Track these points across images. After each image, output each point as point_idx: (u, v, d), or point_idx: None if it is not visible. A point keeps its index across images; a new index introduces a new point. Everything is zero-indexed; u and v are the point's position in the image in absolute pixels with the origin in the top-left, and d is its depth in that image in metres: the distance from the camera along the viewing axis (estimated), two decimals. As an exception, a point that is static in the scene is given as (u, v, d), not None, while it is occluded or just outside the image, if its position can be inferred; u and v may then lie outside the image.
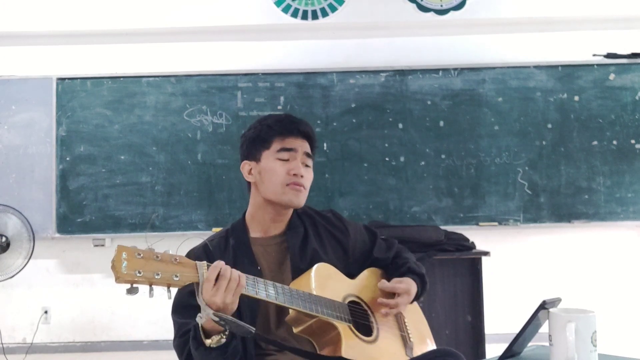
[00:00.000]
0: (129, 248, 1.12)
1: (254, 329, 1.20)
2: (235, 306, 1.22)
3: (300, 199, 1.50)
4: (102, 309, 3.99)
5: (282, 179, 1.47)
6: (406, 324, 1.59)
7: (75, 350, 3.99)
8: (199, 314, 1.16)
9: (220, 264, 1.22)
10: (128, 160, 3.89)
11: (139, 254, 1.12)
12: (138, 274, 1.10)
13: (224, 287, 1.19)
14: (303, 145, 1.52)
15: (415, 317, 1.66)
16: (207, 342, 1.22)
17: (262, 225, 1.53)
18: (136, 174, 3.88)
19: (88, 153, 3.89)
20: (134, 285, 1.11)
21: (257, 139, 1.52)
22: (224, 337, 1.22)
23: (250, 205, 1.55)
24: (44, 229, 3.83)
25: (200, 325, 1.23)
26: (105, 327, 4.01)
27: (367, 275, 1.60)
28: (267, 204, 1.51)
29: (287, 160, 1.49)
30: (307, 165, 1.53)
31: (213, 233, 1.60)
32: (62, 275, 4.03)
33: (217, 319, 1.16)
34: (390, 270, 1.65)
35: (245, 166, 1.53)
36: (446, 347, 1.48)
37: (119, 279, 1.09)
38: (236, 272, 1.23)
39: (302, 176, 1.48)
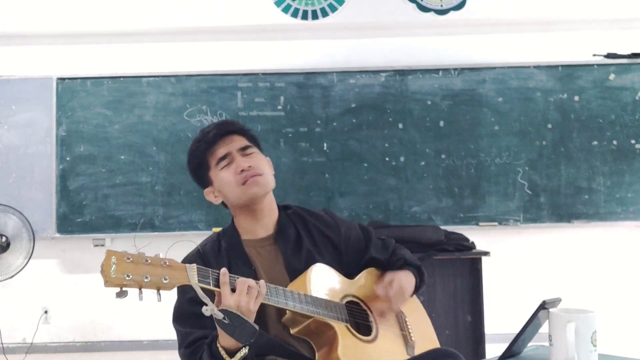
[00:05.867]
0: (118, 252, 1.14)
1: (258, 327, 1.21)
2: (252, 316, 1.24)
3: (262, 186, 1.49)
4: (102, 309, 3.98)
5: (234, 182, 1.48)
6: (407, 323, 1.58)
7: (75, 350, 3.99)
8: (205, 307, 1.17)
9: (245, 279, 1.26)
10: (128, 160, 3.89)
11: (128, 258, 1.14)
12: (127, 278, 1.11)
13: (244, 291, 1.23)
14: (232, 144, 1.51)
15: (417, 316, 1.65)
16: None
17: (249, 229, 1.53)
18: (136, 174, 3.88)
19: (88, 153, 3.89)
20: (123, 288, 1.12)
21: (197, 168, 1.54)
22: (243, 350, 1.25)
23: (233, 215, 1.57)
24: (44, 229, 3.83)
25: (218, 342, 1.26)
26: (105, 327, 4.01)
27: (365, 276, 1.60)
28: (241, 210, 1.52)
29: (228, 164, 1.49)
30: (249, 154, 1.52)
31: (213, 233, 1.60)
32: (62, 275, 4.03)
33: (221, 315, 1.17)
34: (387, 268, 1.63)
35: (209, 194, 1.55)
36: (445, 347, 1.48)
37: (107, 283, 1.11)
38: (260, 281, 1.27)
39: (249, 166, 1.48)
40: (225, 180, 1.49)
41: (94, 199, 3.87)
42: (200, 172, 1.54)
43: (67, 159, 3.88)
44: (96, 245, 3.92)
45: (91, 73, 3.94)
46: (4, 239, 3.63)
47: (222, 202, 1.56)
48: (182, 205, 3.86)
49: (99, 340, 4.01)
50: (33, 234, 3.68)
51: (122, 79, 3.93)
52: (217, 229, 3.66)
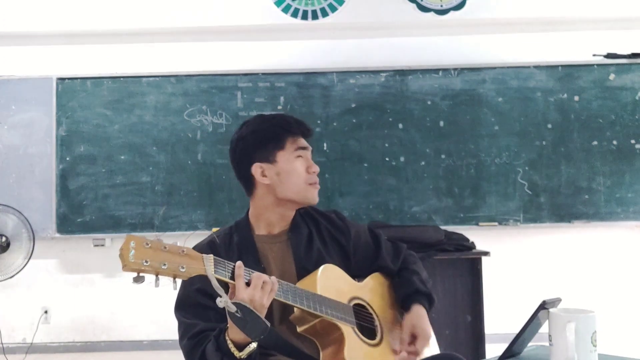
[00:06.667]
0: (138, 237, 1.12)
1: (269, 324, 1.20)
2: (264, 311, 1.23)
3: (317, 197, 1.54)
4: (102, 309, 3.98)
5: (304, 177, 1.50)
6: None
7: (75, 350, 3.99)
8: (219, 299, 1.15)
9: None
10: (128, 160, 3.89)
11: (147, 244, 1.12)
12: (145, 263, 1.10)
13: (259, 286, 1.22)
14: (309, 147, 1.56)
15: None
16: (239, 354, 1.24)
17: (267, 224, 1.53)
18: (136, 174, 3.88)
19: (88, 153, 3.89)
20: (141, 274, 1.11)
21: (269, 140, 1.49)
22: (252, 345, 1.25)
23: (254, 206, 1.53)
24: (44, 229, 3.82)
25: (227, 335, 1.25)
26: (105, 327, 4.01)
27: (373, 280, 1.60)
28: (278, 204, 1.50)
29: (305, 158, 1.52)
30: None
31: (213, 233, 1.59)
32: (62, 275, 4.03)
33: (235, 308, 1.16)
34: (396, 285, 1.63)
35: (257, 169, 1.48)
36: (448, 351, 1.48)
37: (125, 267, 1.10)
38: (272, 277, 1.27)
39: (317, 174, 1.53)
40: (296, 169, 1.49)
41: (94, 199, 3.86)
42: (269, 145, 1.49)
43: (67, 159, 3.88)
44: (96, 246, 3.92)
45: (91, 73, 3.94)
46: (4, 239, 3.63)
47: (247, 187, 1.53)
48: (182, 205, 3.86)
49: (99, 340, 4.01)
50: (33, 234, 3.68)
51: (122, 79, 3.93)
52: (217, 229, 3.66)
